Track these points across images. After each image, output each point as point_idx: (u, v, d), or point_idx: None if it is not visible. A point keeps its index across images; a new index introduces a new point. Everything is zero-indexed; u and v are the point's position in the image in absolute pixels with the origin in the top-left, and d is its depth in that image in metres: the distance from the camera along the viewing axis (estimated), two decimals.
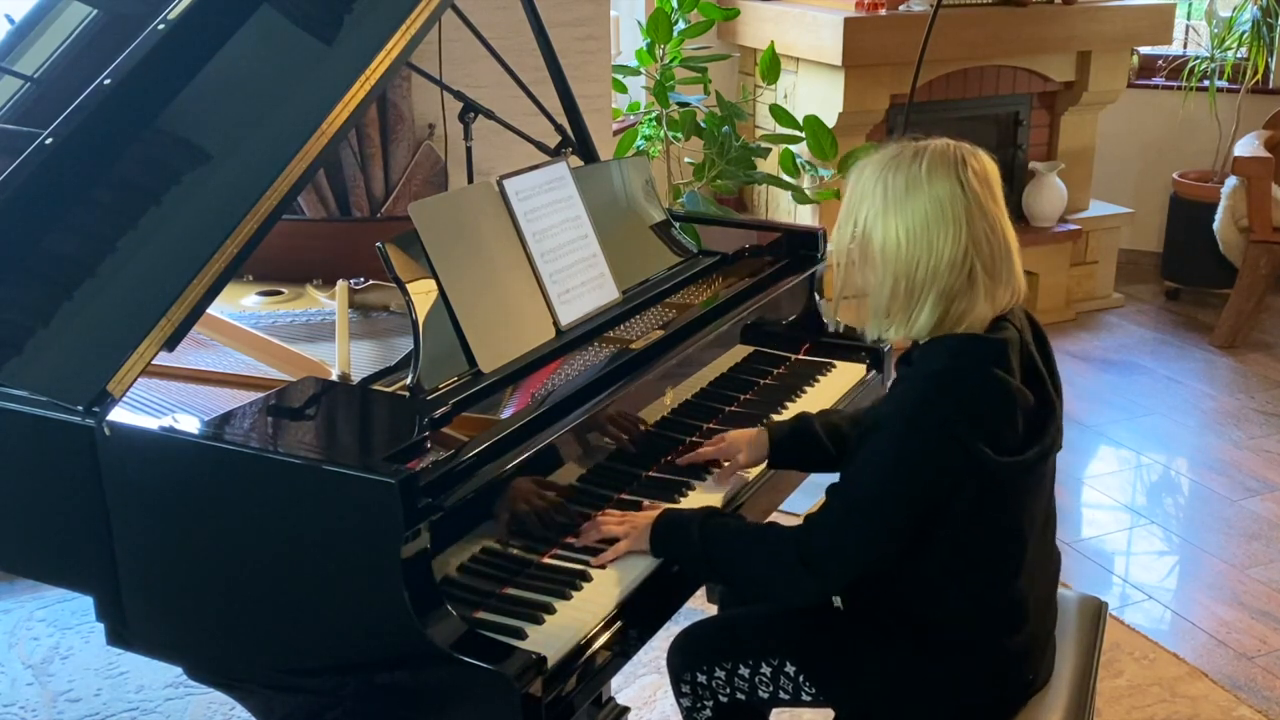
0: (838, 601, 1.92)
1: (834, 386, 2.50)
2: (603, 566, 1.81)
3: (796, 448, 2.09)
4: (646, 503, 1.97)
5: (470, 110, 2.65)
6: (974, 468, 1.67)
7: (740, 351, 2.42)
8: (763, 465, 2.13)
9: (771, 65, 4.47)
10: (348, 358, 2.07)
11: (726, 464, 2.10)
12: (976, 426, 1.66)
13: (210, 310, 1.87)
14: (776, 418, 2.31)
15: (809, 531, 1.76)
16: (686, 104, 4.47)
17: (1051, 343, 1.87)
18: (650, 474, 2.08)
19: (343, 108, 1.85)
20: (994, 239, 1.72)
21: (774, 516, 2.26)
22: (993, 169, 1.77)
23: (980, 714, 1.84)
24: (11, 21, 2.32)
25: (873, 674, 1.84)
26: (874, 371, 2.59)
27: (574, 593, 1.76)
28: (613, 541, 1.85)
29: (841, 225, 1.80)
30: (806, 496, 3.43)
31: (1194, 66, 5.56)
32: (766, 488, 2.17)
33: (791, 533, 1.78)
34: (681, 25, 4.53)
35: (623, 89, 4.67)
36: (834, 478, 1.80)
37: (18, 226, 1.89)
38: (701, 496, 2.03)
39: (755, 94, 5.26)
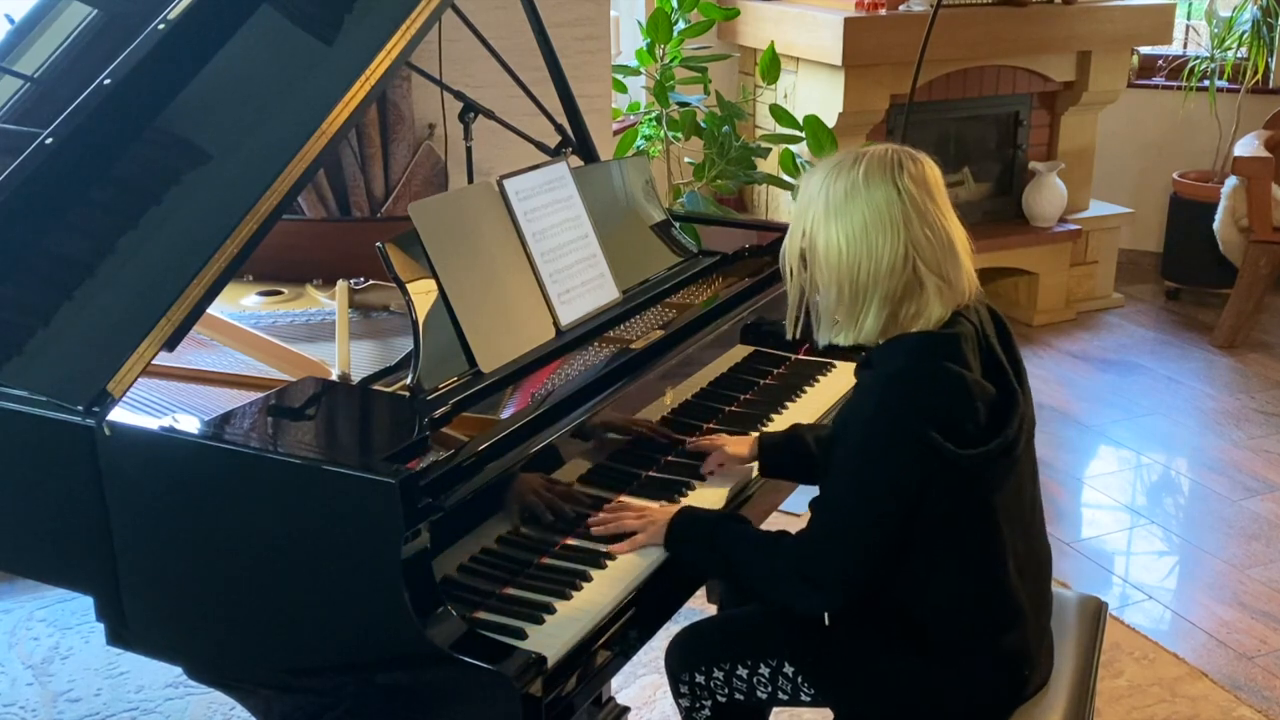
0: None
1: (834, 387, 2.50)
2: (612, 557, 1.83)
3: (787, 458, 2.10)
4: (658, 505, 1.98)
5: (470, 110, 2.65)
6: (937, 462, 1.68)
7: (740, 351, 2.42)
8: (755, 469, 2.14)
9: (771, 65, 4.47)
10: (348, 358, 2.07)
11: (720, 462, 2.10)
12: (933, 421, 1.67)
13: (210, 310, 1.87)
14: (776, 418, 2.31)
15: (801, 544, 1.78)
16: (686, 104, 4.47)
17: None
18: (650, 474, 2.08)
19: (343, 108, 1.85)
20: (935, 240, 1.74)
21: (774, 516, 2.26)
22: (932, 171, 1.79)
23: (979, 713, 1.84)
24: (11, 21, 2.32)
25: (871, 674, 1.85)
26: None
27: (574, 593, 1.76)
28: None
29: (791, 233, 1.82)
30: (807, 496, 3.44)
31: (1194, 66, 5.56)
32: (767, 488, 2.17)
33: (793, 549, 1.79)
34: (681, 25, 4.53)
35: (623, 89, 4.67)
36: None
37: (18, 226, 1.89)
38: (702, 496, 2.03)
39: (755, 94, 5.26)
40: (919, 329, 1.75)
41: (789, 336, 1.87)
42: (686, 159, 4.62)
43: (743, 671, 1.91)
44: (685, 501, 2.01)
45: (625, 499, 1.96)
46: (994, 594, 1.80)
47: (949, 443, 1.67)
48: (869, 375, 1.78)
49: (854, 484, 1.73)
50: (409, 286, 1.85)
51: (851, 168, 1.75)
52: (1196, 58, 5.60)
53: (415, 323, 1.84)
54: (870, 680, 1.85)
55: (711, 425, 2.26)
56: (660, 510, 1.91)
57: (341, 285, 2.30)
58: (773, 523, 2.21)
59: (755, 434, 2.16)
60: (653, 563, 1.85)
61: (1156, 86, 5.85)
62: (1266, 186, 4.93)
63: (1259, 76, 5.50)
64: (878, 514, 1.71)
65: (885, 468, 1.70)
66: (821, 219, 1.75)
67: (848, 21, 4.57)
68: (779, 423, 2.30)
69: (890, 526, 1.72)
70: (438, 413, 1.76)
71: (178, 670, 1.86)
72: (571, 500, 1.91)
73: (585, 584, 1.78)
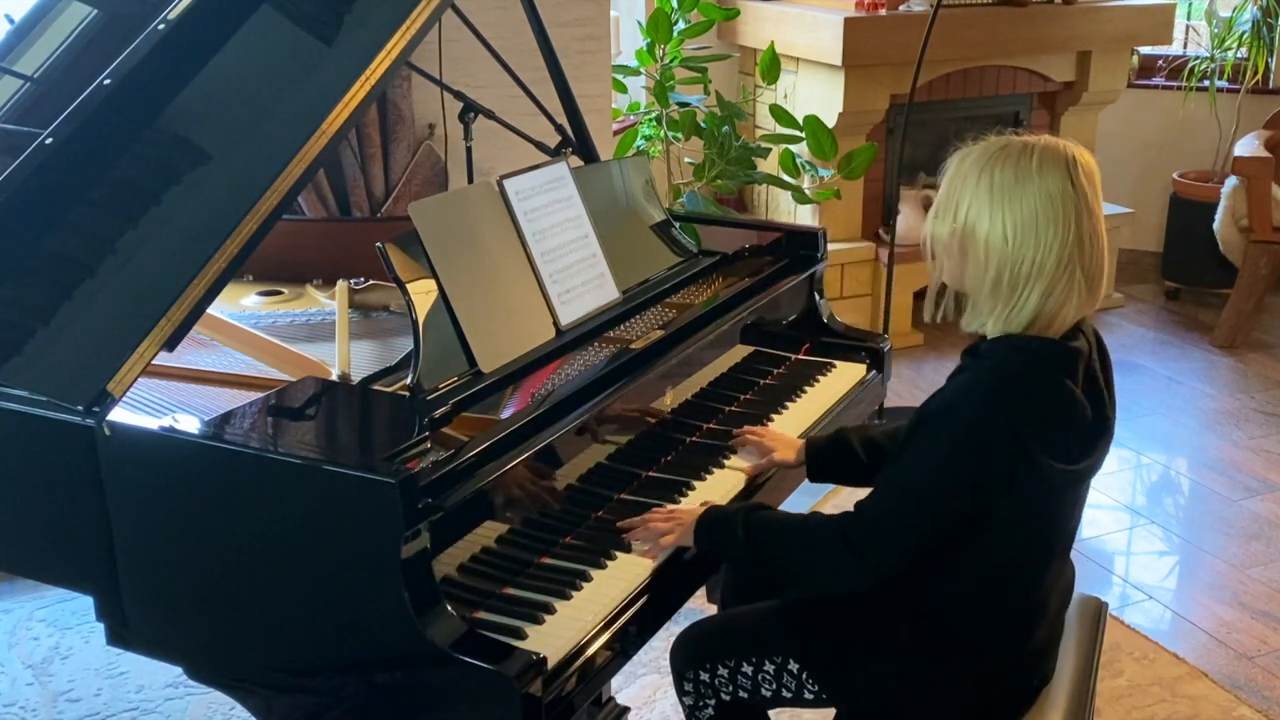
0: None
1: (834, 386, 2.50)
2: (612, 557, 1.83)
3: (834, 461, 2.11)
4: (666, 507, 1.98)
5: (470, 110, 2.65)
6: (1029, 470, 1.66)
7: (740, 351, 2.42)
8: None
9: (771, 65, 4.47)
10: (348, 358, 2.07)
11: (759, 459, 2.14)
12: (1039, 430, 1.65)
13: (210, 310, 1.87)
14: (776, 418, 2.31)
15: (858, 516, 1.76)
16: (686, 104, 4.47)
17: (1112, 367, 1.85)
18: (650, 474, 2.08)
19: (343, 108, 1.85)
20: (1096, 241, 1.71)
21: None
22: (1096, 169, 1.74)
23: (983, 714, 1.84)
24: (11, 21, 2.32)
25: (876, 673, 1.84)
26: (874, 371, 2.59)
27: (574, 593, 1.76)
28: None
29: (940, 216, 1.76)
30: (807, 497, 3.43)
31: (1194, 66, 5.56)
32: (768, 489, 2.17)
33: (837, 519, 1.78)
34: (681, 25, 4.53)
35: (623, 89, 4.67)
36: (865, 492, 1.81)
37: (18, 226, 1.89)
38: (702, 495, 2.03)
39: (755, 94, 5.26)
40: (1052, 331, 1.71)
41: (928, 318, 1.84)
42: (686, 159, 4.62)
43: (747, 669, 1.91)
44: (685, 502, 2.01)
45: (656, 507, 1.96)
46: (1023, 608, 1.80)
47: (1044, 454, 1.65)
48: (980, 366, 1.73)
49: (937, 468, 1.69)
50: (409, 286, 1.85)
51: (1021, 154, 1.70)
52: (1196, 58, 5.60)
53: (415, 323, 1.84)
54: (875, 679, 1.85)
55: (712, 425, 2.26)
56: (687, 511, 1.91)
57: (341, 285, 2.30)
58: None
59: (801, 439, 2.18)
60: (652, 563, 1.85)
61: (1156, 86, 5.85)
62: (1266, 186, 4.93)
63: (1259, 76, 5.49)
64: (950, 503, 1.70)
65: (975, 460, 1.67)
66: (985, 204, 1.69)
67: (848, 21, 4.57)
68: (779, 423, 2.30)
69: (953, 519, 1.70)
70: (438, 413, 1.76)
71: (178, 670, 1.86)
72: (571, 500, 1.91)
73: (585, 584, 1.78)
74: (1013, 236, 1.68)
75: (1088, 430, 1.73)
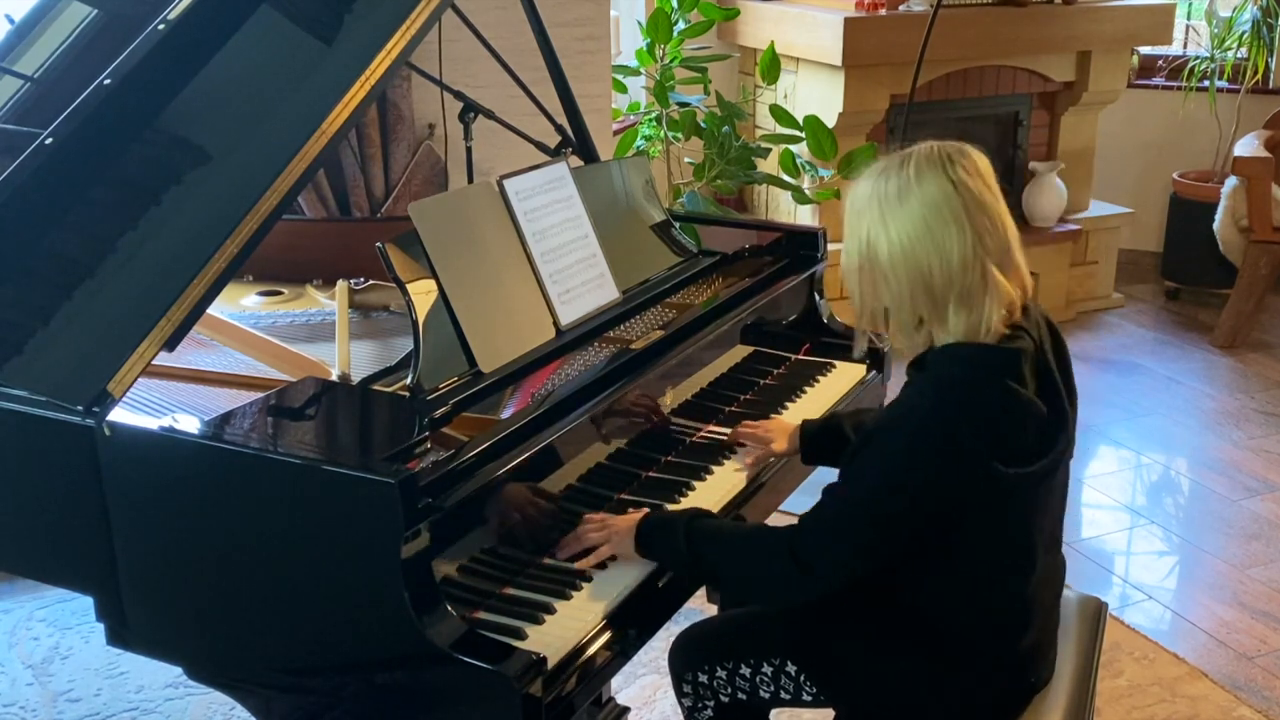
0: None
1: (834, 386, 2.50)
2: (587, 578, 1.80)
3: (826, 443, 2.14)
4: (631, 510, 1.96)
5: (470, 110, 2.65)
6: (982, 481, 1.66)
7: (740, 351, 2.42)
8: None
9: (771, 65, 4.47)
10: (348, 358, 2.07)
11: (758, 450, 2.16)
12: (986, 439, 1.65)
13: (210, 310, 1.87)
14: (776, 418, 2.31)
15: (802, 530, 1.76)
16: (686, 104, 4.47)
17: (1069, 357, 1.85)
18: (650, 474, 2.08)
19: (343, 108, 1.85)
20: (996, 230, 1.71)
21: (774, 516, 2.26)
22: (984, 163, 1.75)
23: (981, 714, 1.84)
24: (11, 21, 2.32)
25: (874, 674, 1.84)
26: (874, 372, 2.59)
27: (574, 593, 1.76)
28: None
29: (847, 247, 1.77)
30: (807, 496, 3.43)
31: (1194, 66, 5.56)
32: (768, 488, 2.17)
33: (784, 532, 1.77)
34: (681, 25, 4.53)
35: (623, 89, 4.66)
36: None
37: (18, 226, 1.89)
38: (702, 496, 2.03)
39: (755, 94, 5.26)
40: (991, 335, 1.70)
41: (856, 356, 1.85)
42: (686, 159, 4.62)
43: (745, 671, 1.91)
44: (685, 501, 2.01)
45: (590, 516, 1.92)
46: (1013, 605, 1.79)
47: (996, 460, 1.65)
48: (923, 379, 1.73)
49: (885, 480, 1.69)
50: (409, 286, 1.85)
51: (900, 168, 1.71)
52: (1196, 58, 5.60)
53: (415, 323, 1.84)
54: (874, 680, 1.85)
55: (712, 425, 2.26)
56: (622, 519, 1.87)
57: (341, 285, 2.30)
58: (771, 522, 2.21)
59: (796, 426, 2.20)
60: (651, 563, 1.85)
61: (1156, 86, 5.85)
62: (1266, 186, 4.93)
63: (1259, 76, 5.49)
64: (898, 513, 1.69)
65: (923, 472, 1.66)
66: (879, 223, 1.70)
67: (848, 21, 4.57)
68: (766, 423, 2.29)
69: (903, 520, 1.70)
70: (438, 413, 1.76)
71: (178, 670, 1.86)
72: (571, 500, 1.90)
73: (585, 584, 1.78)
74: (911, 248, 1.68)
75: (1043, 427, 1.72)
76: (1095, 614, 2.08)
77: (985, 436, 1.65)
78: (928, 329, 1.74)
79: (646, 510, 1.91)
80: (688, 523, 1.83)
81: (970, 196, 1.69)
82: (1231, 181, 5.08)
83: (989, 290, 1.69)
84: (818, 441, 2.15)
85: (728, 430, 2.24)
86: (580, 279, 2.14)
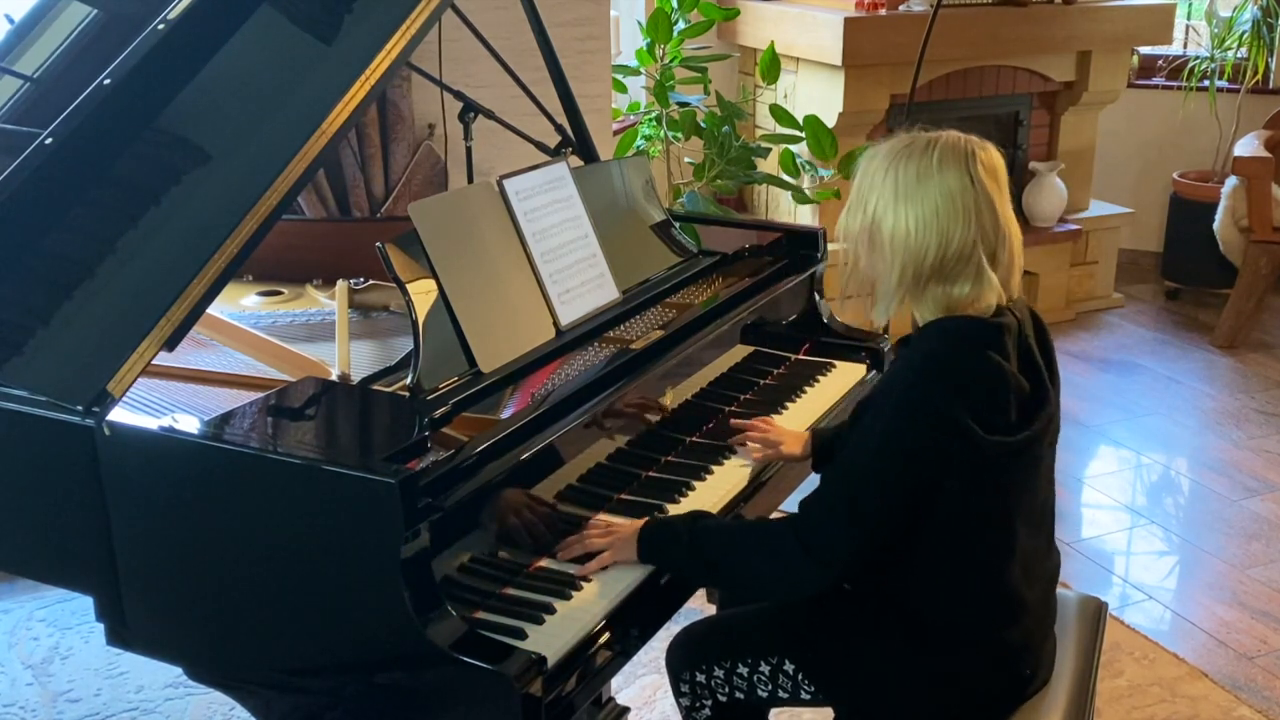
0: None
1: (834, 386, 2.50)
2: (586, 578, 1.80)
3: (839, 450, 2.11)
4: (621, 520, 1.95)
5: (470, 110, 2.65)
6: (962, 446, 1.69)
7: (740, 351, 2.42)
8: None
9: (771, 65, 4.47)
10: (348, 358, 2.07)
11: (769, 450, 2.16)
12: (965, 405, 1.68)
13: (210, 310, 1.87)
14: (777, 418, 2.31)
15: (805, 517, 1.77)
16: (686, 104, 4.47)
17: (1052, 343, 1.88)
18: (650, 474, 2.08)
19: (343, 108, 1.85)
20: (1001, 232, 1.76)
21: (774, 516, 2.26)
22: (1000, 162, 1.80)
23: (979, 710, 1.84)
24: (11, 21, 2.32)
25: (871, 671, 1.85)
26: (874, 371, 2.59)
27: (574, 593, 1.76)
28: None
29: (850, 212, 1.82)
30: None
31: (1194, 66, 5.56)
32: (768, 488, 2.17)
33: (786, 522, 1.78)
34: (681, 25, 4.53)
35: (623, 89, 4.66)
36: None
37: (18, 226, 1.89)
38: (702, 496, 2.03)
39: (755, 94, 5.26)
40: (973, 311, 1.76)
41: (837, 310, 1.89)
42: (686, 159, 4.62)
43: (743, 670, 1.91)
44: (685, 501, 2.01)
45: (595, 519, 1.92)
46: (997, 591, 1.80)
47: (977, 425, 1.68)
48: (907, 352, 1.78)
49: (874, 453, 1.72)
50: (409, 286, 1.85)
51: (924, 152, 1.75)
52: (1196, 58, 5.60)
53: (415, 323, 1.84)
54: (871, 677, 1.85)
55: (712, 425, 2.26)
56: (626, 524, 1.88)
57: (341, 285, 2.31)
58: None
59: (808, 431, 2.21)
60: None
61: (1156, 86, 5.85)
62: (1266, 186, 4.93)
63: (1259, 76, 5.49)
64: (894, 476, 1.71)
65: (909, 439, 1.70)
66: (890, 201, 1.75)
67: (848, 21, 4.57)
68: (779, 423, 2.30)
69: (900, 493, 1.72)
70: (438, 413, 1.76)
71: (178, 670, 1.86)
72: (572, 500, 1.91)
73: (585, 584, 1.78)
74: (916, 231, 1.74)
75: (1025, 402, 1.75)
76: (1095, 614, 2.08)
77: (964, 403, 1.68)
78: (894, 303, 1.79)
79: (649, 517, 1.91)
80: (690, 524, 1.83)
81: (983, 194, 1.74)
82: (1231, 181, 5.09)
83: (979, 283, 1.75)
84: (830, 449, 2.14)
85: (728, 430, 2.23)
86: (580, 279, 2.14)
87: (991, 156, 1.78)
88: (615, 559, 1.83)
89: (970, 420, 1.68)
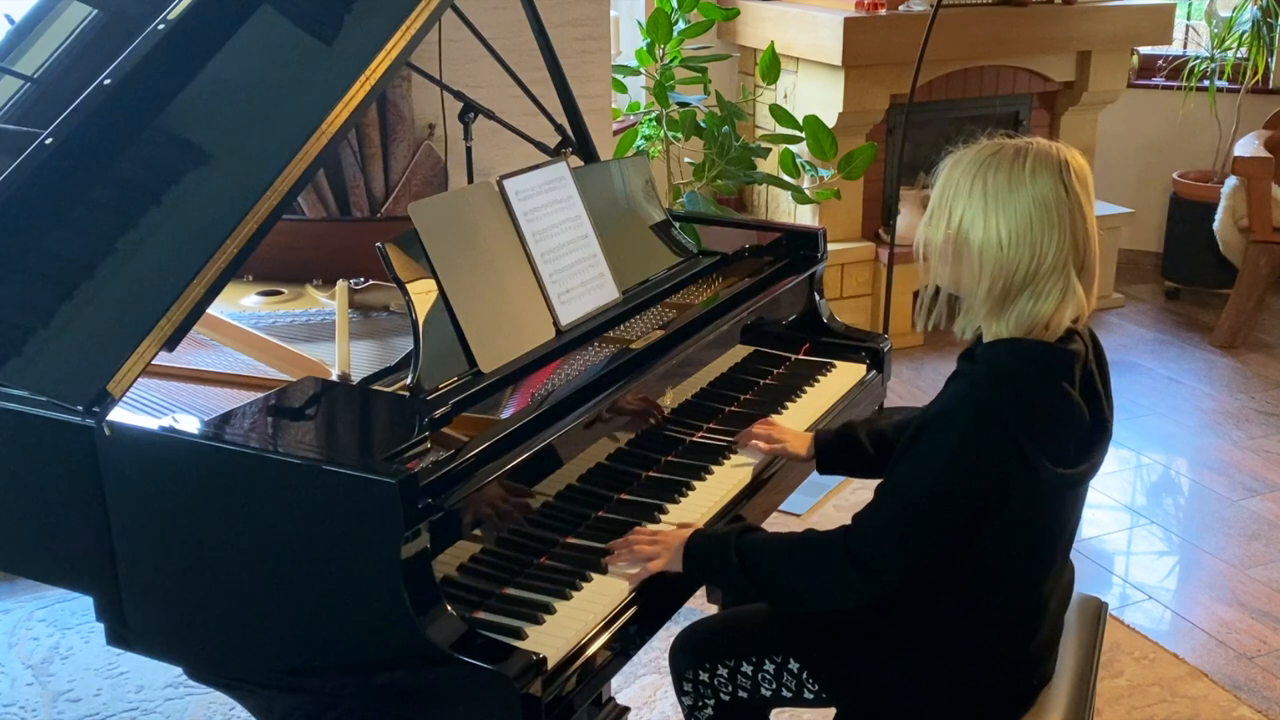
0: None
1: (834, 386, 2.50)
2: (586, 578, 1.79)
3: (843, 453, 2.12)
4: (652, 527, 1.96)
5: (470, 110, 2.65)
6: (1027, 475, 1.66)
7: (740, 351, 2.42)
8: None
9: (771, 65, 4.47)
10: (348, 358, 2.07)
11: (774, 446, 2.16)
12: (1036, 433, 1.65)
13: (210, 310, 1.87)
14: (776, 419, 2.31)
15: (859, 528, 1.74)
16: (686, 104, 4.47)
17: (1109, 369, 1.85)
18: (650, 474, 2.08)
19: (343, 108, 1.85)
20: (1090, 243, 1.71)
21: (774, 516, 2.26)
22: (1089, 170, 1.74)
23: (984, 714, 1.84)
24: (11, 21, 2.32)
25: (877, 671, 1.84)
26: (874, 371, 2.59)
27: (574, 593, 1.76)
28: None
29: (933, 221, 1.75)
30: (807, 496, 3.43)
31: (1194, 66, 5.56)
32: (768, 487, 2.17)
33: (836, 534, 1.76)
34: (681, 25, 4.53)
35: (623, 89, 4.67)
36: (875, 483, 1.80)
37: (18, 226, 1.89)
38: (702, 496, 2.03)
39: (755, 94, 5.26)
40: (1048, 334, 1.70)
41: (919, 327, 1.84)
42: (686, 159, 4.62)
43: (747, 669, 1.91)
44: (685, 501, 2.01)
45: (640, 528, 1.92)
46: (1023, 605, 1.80)
47: (1044, 456, 1.65)
48: (976, 371, 1.72)
49: (938, 475, 1.68)
50: (409, 286, 1.85)
51: (1014, 159, 1.69)
52: (1196, 58, 5.60)
53: (415, 323, 1.84)
54: (878, 678, 1.84)
55: (712, 425, 2.26)
56: (674, 534, 1.87)
57: (341, 285, 2.31)
58: (772, 523, 2.21)
59: (810, 432, 2.20)
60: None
61: (1156, 86, 5.85)
62: (1266, 186, 4.93)
63: (1259, 76, 5.49)
64: (951, 509, 1.69)
65: (973, 465, 1.66)
66: (979, 210, 1.69)
67: (848, 21, 4.57)
68: (780, 423, 2.30)
69: (954, 525, 1.69)
70: (438, 413, 1.76)
71: (178, 670, 1.86)
72: (572, 500, 1.91)
73: (585, 584, 1.78)
74: (1008, 242, 1.68)
75: (1086, 433, 1.73)
76: (1095, 614, 2.08)
77: (1036, 432, 1.65)
78: (985, 319, 1.73)
79: (695, 527, 1.90)
80: (737, 538, 1.81)
81: (1077, 204, 1.69)
82: (1231, 181, 5.09)
83: (1065, 297, 1.69)
84: (834, 452, 2.13)
85: (730, 428, 2.23)
86: (580, 279, 2.14)
87: (1082, 165, 1.72)
88: (663, 567, 1.82)
89: (1039, 450, 1.65)
